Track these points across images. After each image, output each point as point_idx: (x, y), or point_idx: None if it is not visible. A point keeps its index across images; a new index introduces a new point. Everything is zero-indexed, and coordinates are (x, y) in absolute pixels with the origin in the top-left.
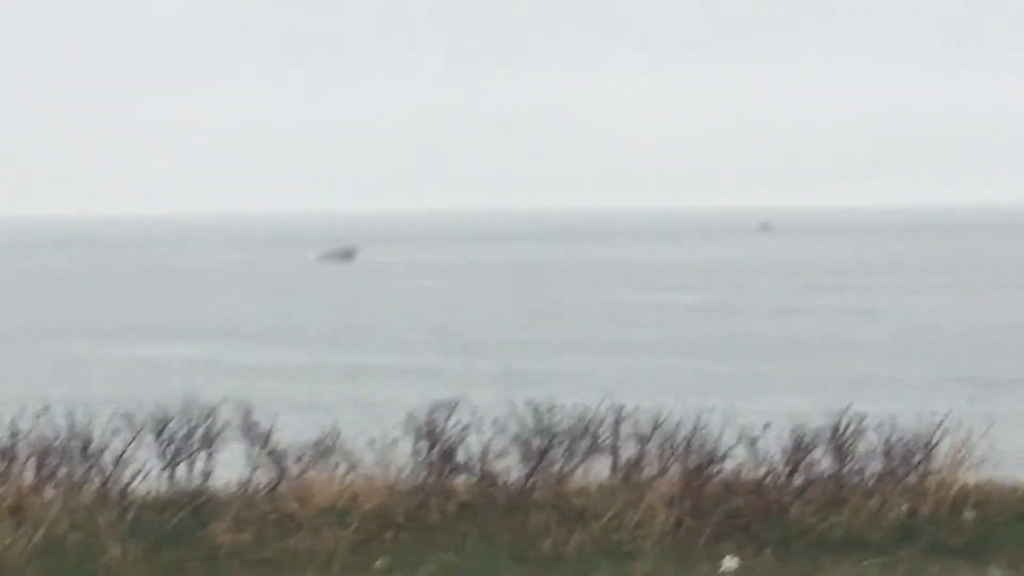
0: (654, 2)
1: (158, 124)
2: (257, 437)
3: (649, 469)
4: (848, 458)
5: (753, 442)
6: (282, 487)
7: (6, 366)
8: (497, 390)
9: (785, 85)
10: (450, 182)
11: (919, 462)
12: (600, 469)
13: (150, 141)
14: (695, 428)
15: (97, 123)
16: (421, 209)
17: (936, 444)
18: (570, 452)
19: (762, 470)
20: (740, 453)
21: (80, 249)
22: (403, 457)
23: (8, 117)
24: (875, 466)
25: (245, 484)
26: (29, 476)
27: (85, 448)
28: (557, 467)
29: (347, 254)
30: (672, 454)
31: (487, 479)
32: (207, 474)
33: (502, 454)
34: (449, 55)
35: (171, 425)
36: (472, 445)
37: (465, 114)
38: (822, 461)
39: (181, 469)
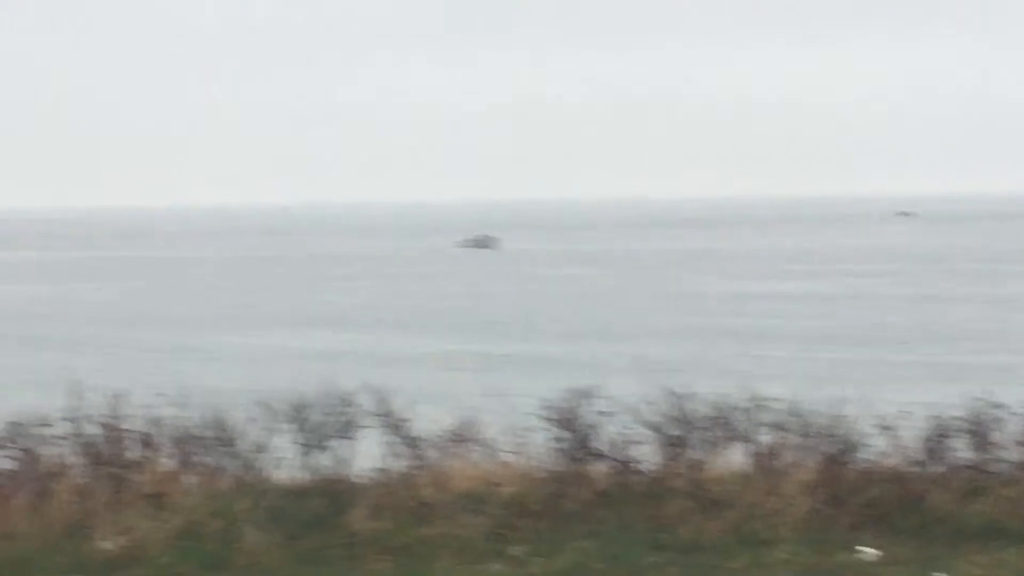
0: None
1: (310, 109)
2: (394, 424)
3: (786, 457)
4: (987, 447)
5: (891, 431)
6: (419, 474)
7: (146, 355)
8: (634, 378)
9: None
10: (587, 169)
11: None
12: (736, 457)
13: (293, 127)
14: (832, 417)
15: (249, 108)
16: (560, 197)
17: None
18: (707, 440)
19: (900, 459)
20: (878, 442)
21: (230, 238)
22: (540, 444)
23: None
24: (1015, 455)
25: (383, 471)
26: (169, 463)
27: (224, 436)
28: (694, 455)
29: (486, 242)
30: (809, 443)
31: (624, 467)
32: (345, 461)
33: (639, 442)
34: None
35: (308, 412)
36: (609, 433)
37: (598, 98)
38: (961, 450)
39: (319, 456)
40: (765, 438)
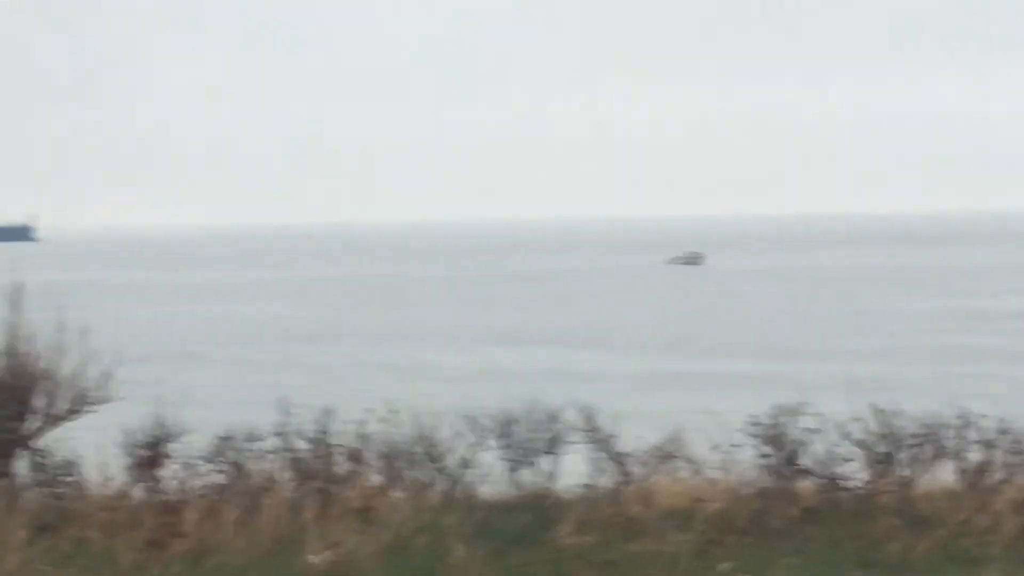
0: None
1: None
2: (601, 440)
3: (996, 475)
4: None
5: None
6: (625, 490)
7: (355, 370)
8: (841, 395)
9: None
10: (792, 188)
11: None
12: (945, 474)
13: (502, 146)
14: None
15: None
16: (766, 214)
17: None
18: (915, 457)
19: None
20: None
21: (449, 256)
22: (746, 461)
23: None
24: None
25: (589, 487)
26: (377, 478)
27: (431, 451)
28: (902, 472)
29: (695, 259)
30: (1019, 459)
31: (831, 483)
32: (551, 477)
33: (846, 459)
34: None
35: (515, 429)
36: (816, 450)
37: (811, 118)
38: None
39: (525, 472)
40: (974, 455)
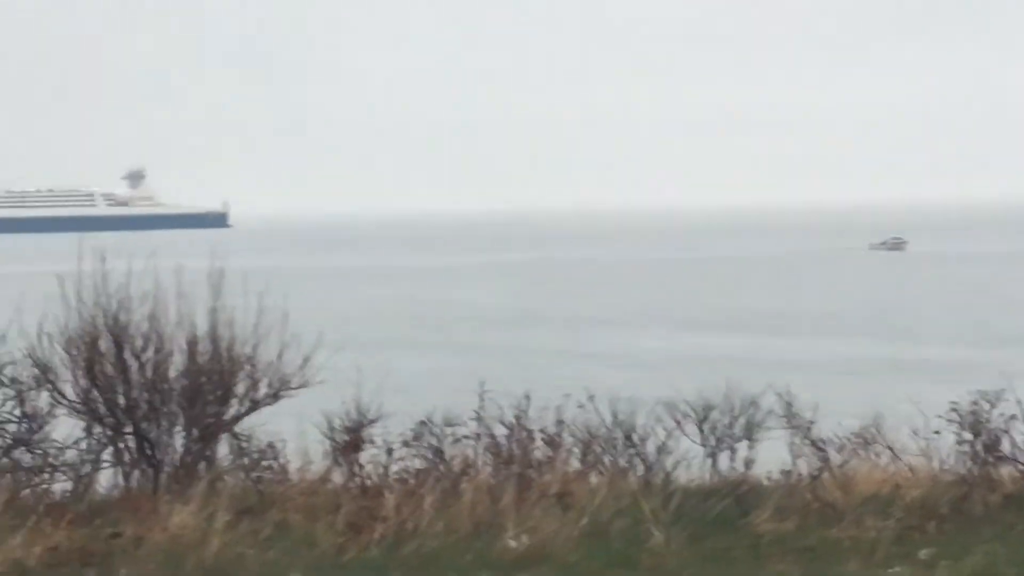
0: None
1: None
2: (799, 426)
3: None
4: None
5: None
6: (824, 476)
7: (555, 354)
8: None
9: None
10: (982, 170)
11: None
12: None
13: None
14: None
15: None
16: (963, 198)
17: None
18: None
19: None
20: None
21: (637, 239)
22: (946, 447)
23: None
24: None
25: (787, 473)
26: (574, 463)
27: (629, 436)
28: None
29: (898, 245)
30: None
31: None
32: (749, 463)
33: None
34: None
35: (713, 414)
36: (1017, 436)
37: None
38: None
39: (723, 458)
40: None
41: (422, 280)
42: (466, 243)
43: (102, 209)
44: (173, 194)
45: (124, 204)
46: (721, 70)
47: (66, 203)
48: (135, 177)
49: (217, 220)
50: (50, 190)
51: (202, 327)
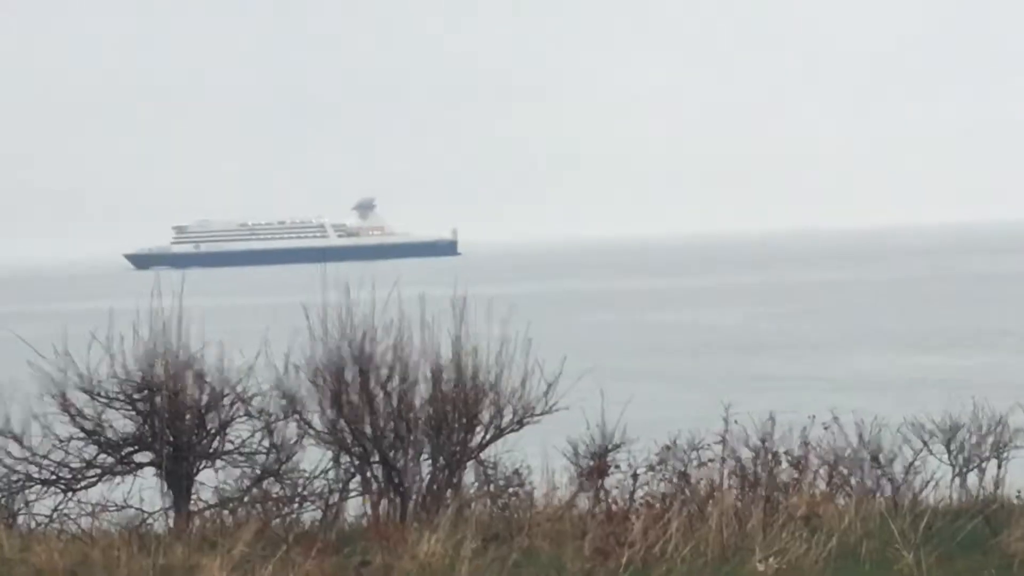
0: None
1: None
2: None
3: None
4: None
5: None
6: None
7: (798, 376)
8: None
9: None
10: None
11: None
12: None
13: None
14: None
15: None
16: None
17: None
18: None
19: None
20: None
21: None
22: None
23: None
24: None
25: None
26: (821, 485)
27: (875, 457)
28: None
29: None
30: None
31: None
32: (998, 482)
33: None
34: None
35: (961, 434)
36: None
37: None
38: None
39: (972, 477)
40: None
41: (658, 303)
42: (693, 265)
43: (333, 240)
44: (402, 223)
45: (355, 235)
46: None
47: (298, 235)
48: (365, 207)
49: (447, 248)
50: (281, 222)
51: (446, 355)
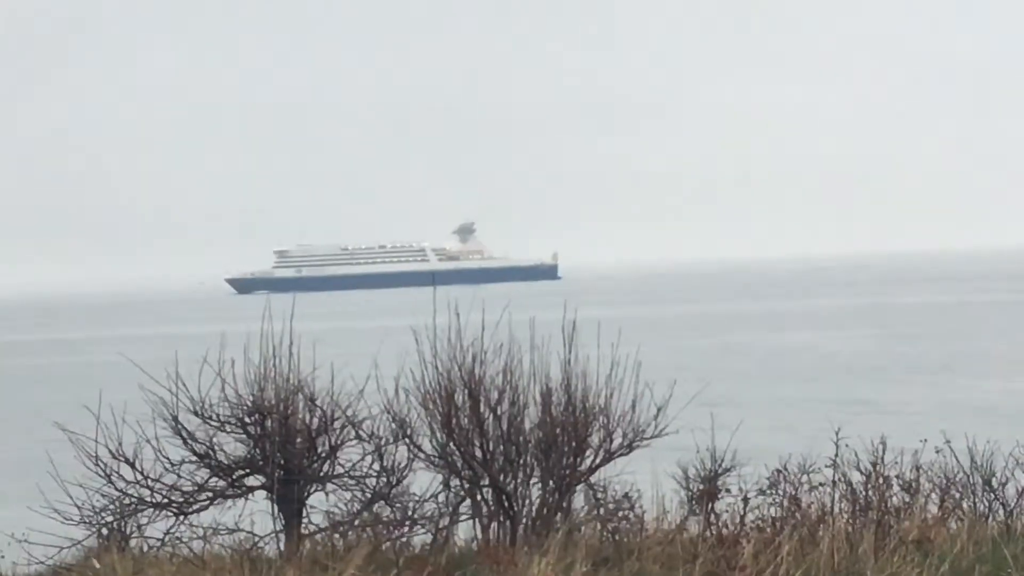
0: None
1: None
2: None
3: None
4: None
5: None
6: None
7: (909, 400)
8: None
9: None
10: None
11: None
12: None
13: None
14: None
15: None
16: None
17: None
18: None
19: None
20: None
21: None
22: None
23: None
24: None
25: None
26: (933, 509)
27: (988, 481)
28: None
29: None
30: None
31: None
32: None
33: None
34: None
35: None
36: None
37: None
38: None
39: None
40: None
41: (762, 326)
42: (793, 288)
43: (433, 264)
44: (503, 247)
45: (455, 258)
46: None
47: (398, 259)
48: (465, 231)
49: (547, 272)
50: (382, 246)
51: (556, 378)
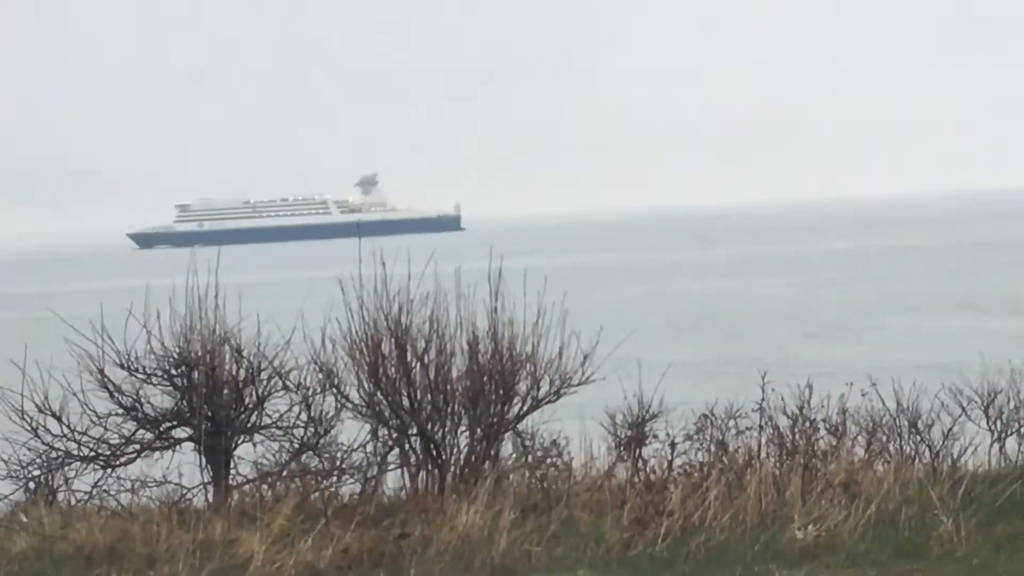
0: None
1: None
2: None
3: None
4: None
5: None
6: None
7: (835, 342)
8: None
9: None
10: None
11: None
12: None
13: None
14: None
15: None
16: None
17: None
18: None
19: None
20: None
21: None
22: None
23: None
24: None
25: None
26: (859, 452)
27: (914, 423)
28: None
29: None
30: None
31: None
32: None
33: None
34: None
35: (999, 399)
36: None
37: None
38: None
39: (1011, 443)
40: None
41: (687, 274)
42: (727, 238)
43: (336, 217)
44: (406, 199)
45: (357, 211)
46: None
47: (301, 212)
48: (368, 183)
49: (451, 224)
50: (284, 199)
51: (482, 327)
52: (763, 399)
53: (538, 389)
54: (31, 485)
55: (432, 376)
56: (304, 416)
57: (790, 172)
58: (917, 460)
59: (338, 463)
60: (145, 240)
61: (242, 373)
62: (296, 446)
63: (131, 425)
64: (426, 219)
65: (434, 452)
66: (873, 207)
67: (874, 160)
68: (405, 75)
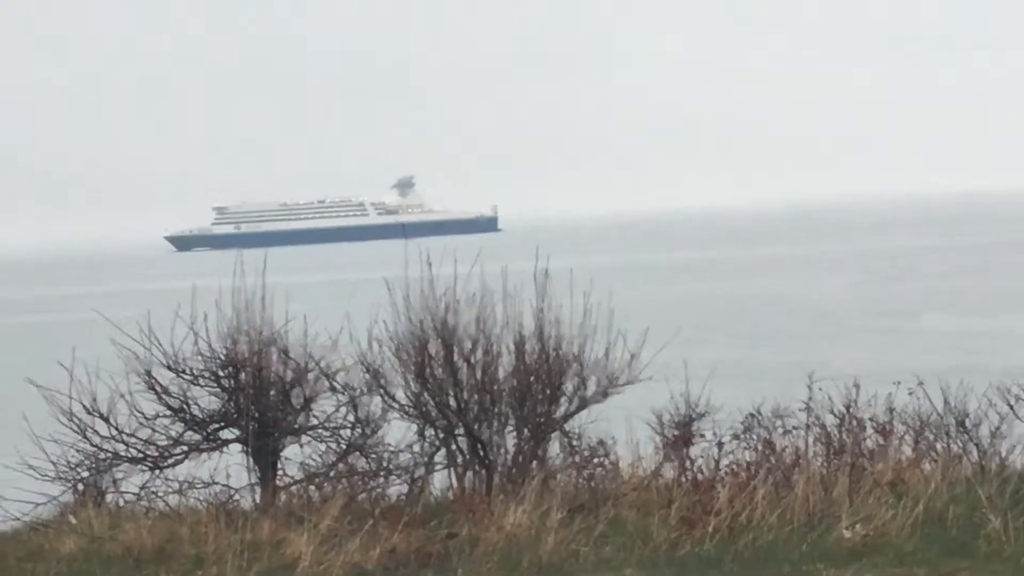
0: None
1: None
2: None
3: None
4: None
5: None
6: None
7: (884, 342)
8: None
9: None
10: None
11: None
12: None
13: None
14: None
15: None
16: None
17: None
18: None
19: None
20: None
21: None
22: None
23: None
24: None
25: None
26: (907, 451)
27: (961, 422)
28: None
29: None
30: None
31: None
32: None
33: None
34: None
35: None
36: None
37: None
38: None
39: None
40: None
41: (732, 273)
42: (759, 237)
43: (373, 218)
44: (442, 200)
45: (394, 212)
46: None
47: (338, 214)
48: (404, 185)
49: (488, 224)
50: (321, 201)
51: (529, 327)
52: (810, 398)
53: (585, 389)
54: (80, 487)
55: (479, 376)
56: (351, 417)
57: (819, 170)
58: (965, 459)
59: (385, 464)
60: (183, 243)
61: (289, 374)
62: (343, 447)
63: (179, 426)
64: (464, 220)
65: (481, 452)
66: (911, 207)
67: (911, 158)
68: (422, 75)
